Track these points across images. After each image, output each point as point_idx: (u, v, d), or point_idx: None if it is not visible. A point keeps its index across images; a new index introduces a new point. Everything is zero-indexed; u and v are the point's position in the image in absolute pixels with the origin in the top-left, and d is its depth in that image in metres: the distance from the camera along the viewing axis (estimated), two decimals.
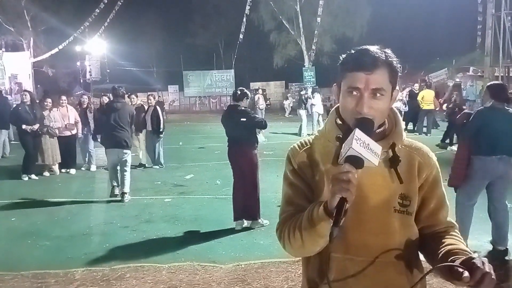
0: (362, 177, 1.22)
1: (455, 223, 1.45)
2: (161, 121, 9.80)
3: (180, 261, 4.48)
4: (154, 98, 10.49)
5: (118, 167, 7.16)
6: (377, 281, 1.34)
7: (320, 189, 1.37)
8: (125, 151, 7.06)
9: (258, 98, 19.66)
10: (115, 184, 7.24)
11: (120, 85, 8.03)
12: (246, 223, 5.51)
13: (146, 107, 10.17)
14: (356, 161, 1.18)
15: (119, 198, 7.05)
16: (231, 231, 5.41)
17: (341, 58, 1.39)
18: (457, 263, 1.18)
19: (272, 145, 11.89)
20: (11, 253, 4.89)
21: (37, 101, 9.54)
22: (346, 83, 1.32)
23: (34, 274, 4.22)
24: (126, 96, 8.35)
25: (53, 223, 6.02)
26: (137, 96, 10.89)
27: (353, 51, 1.36)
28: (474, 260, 1.14)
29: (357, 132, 1.20)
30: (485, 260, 1.14)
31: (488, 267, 1.12)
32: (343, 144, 1.23)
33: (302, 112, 15.47)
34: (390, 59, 1.32)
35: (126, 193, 7.04)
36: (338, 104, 1.42)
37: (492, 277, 1.11)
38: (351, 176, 1.16)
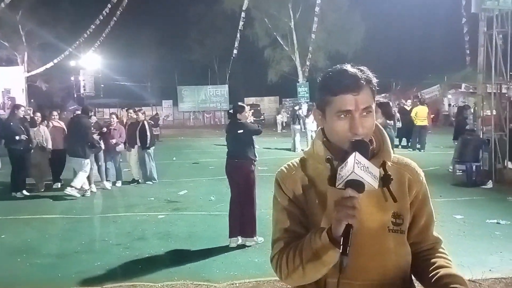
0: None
1: (440, 238, 1.47)
2: (148, 137, 9.68)
3: (174, 280, 4.39)
4: (143, 113, 10.32)
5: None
6: None
7: (313, 213, 1.34)
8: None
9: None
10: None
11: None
12: (240, 240, 5.45)
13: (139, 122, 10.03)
14: (358, 186, 1.16)
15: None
16: (226, 248, 5.33)
17: (318, 81, 1.38)
18: None
19: (266, 160, 11.86)
20: (1, 272, 4.77)
21: (28, 116, 9.56)
22: (334, 107, 1.30)
23: None
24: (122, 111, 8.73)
25: (44, 240, 5.92)
26: (135, 111, 10.65)
27: (331, 74, 1.33)
28: None
29: (357, 156, 1.17)
30: None
31: None
32: (340, 168, 1.20)
33: (296, 128, 15.51)
34: (370, 77, 1.32)
35: (72, 186, 8.11)
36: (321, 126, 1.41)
37: None
38: (356, 202, 1.14)
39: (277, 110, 34.26)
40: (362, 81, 1.28)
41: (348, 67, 1.32)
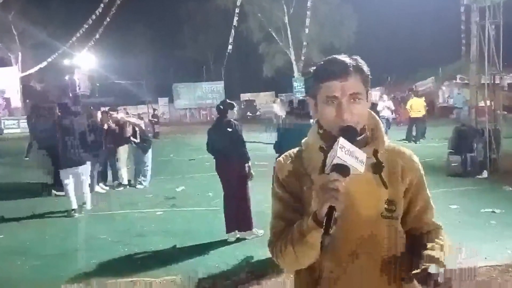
0: (348, 185, 1.23)
1: (441, 225, 1.50)
2: (137, 135, 9.13)
3: (173, 275, 4.42)
4: (128, 113, 9.97)
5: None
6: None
7: (309, 200, 1.37)
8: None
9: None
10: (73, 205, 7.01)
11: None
12: (239, 234, 5.49)
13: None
14: (342, 169, 1.19)
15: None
16: (224, 242, 5.38)
17: (311, 70, 1.42)
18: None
19: (265, 155, 11.89)
20: (0, 273, 4.79)
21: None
22: (322, 94, 1.34)
23: None
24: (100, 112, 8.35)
25: (44, 240, 5.93)
26: (116, 111, 10.24)
27: (322, 62, 1.38)
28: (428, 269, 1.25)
29: (341, 141, 1.21)
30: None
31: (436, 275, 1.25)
32: (328, 154, 1.24)
33: None
34: (360, 65, 1.35)
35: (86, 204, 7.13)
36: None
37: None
38: (339, 184, 1.17)
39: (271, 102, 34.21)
40: (351, 68, 1.31)
41: (340, 56, 1.36)
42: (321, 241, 1.18)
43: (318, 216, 1.20)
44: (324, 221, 1.17)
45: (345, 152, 1.20)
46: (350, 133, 1.27)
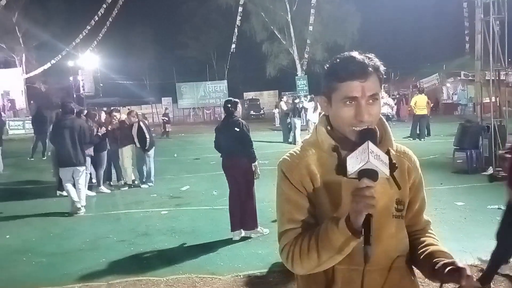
0: None
1: (430, 220, 1.52)
2: (147, 139, 9.11)
3: (179, 274, 4.43)
4: (136, 115, 9.71)
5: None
6: None
7: (320, 202, 1.35)
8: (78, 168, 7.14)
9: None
10: (76, 199, 7.10)
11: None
12: (244, 233, 5.49)
13: (128, 123, 9.43)
14: (372, 174, 1.16)
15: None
16: (229, 241, 5.37)
17: (325, 68, 1.39)
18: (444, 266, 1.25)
19: (266, 154, 11.88)
20: (6, 271, 4.82)
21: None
22: (340, 94, 1.31)
23: None
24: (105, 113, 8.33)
25: (48, 239, 5.96)
26: (119, 111, 10.19)
27: (338, 60, 1.34)
28: (459, 265, 1.22)
29: (371, 146, 1.18)
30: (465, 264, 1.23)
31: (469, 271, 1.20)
32: (349, 156, 1.20)
33: (297, 121, 15.50)
34: (377, 64, 1.33)
35: (82, 206, 7.15)
36: (324, 113, 1.43)
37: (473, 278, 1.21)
38: (373, 191, 1.15)
39: (276, 104, 34.17)
40: (370, 68, 1.29)
41: (356, 54, 1.33)
42: (365, 253, 1.14)
43: (354, 225, 1.17)
44: (363, 231, 1.15)
45: (374, 156, 1.16)
46: (373, 136, 1.25)
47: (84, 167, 7.35)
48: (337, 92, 1.31)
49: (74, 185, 7.22)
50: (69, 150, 7.03)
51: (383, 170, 1.17)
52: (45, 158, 13.05)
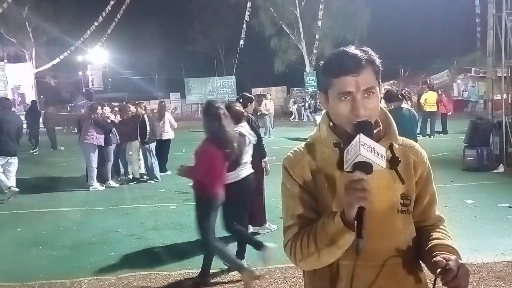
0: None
1: (443, 217, 1.49)
2: (147, 131, 9.09)
3: (187, 269, 4.45)
4: (145, 107, 9.81)
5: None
6: (389, 284, 1.34)
7: (323, 197, 1.35)
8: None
9: (265, 104, 19.02)
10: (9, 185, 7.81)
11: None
12: (252, 229, 5.49)
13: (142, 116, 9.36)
14: (365, 167, 1.15)
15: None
16: None
17: (320, 65, 1.38)
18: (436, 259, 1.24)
19: (275, 150, 11.86)
20: (17, 264, 4.88)
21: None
22: (335, 90, 1.30)
23: (41, 284, 4.20)
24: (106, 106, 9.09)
25: (59, 232, 6.01)
26: (134, 105, 10.04)
27: (332, 56, 1.34)
28: (449, 262, 1.20)
29: (362, 137, 1.17)
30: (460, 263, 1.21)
31: (461, 271, 1.19)
32: (346, 150, 1.20)
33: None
34: (372, 57, 1.31)
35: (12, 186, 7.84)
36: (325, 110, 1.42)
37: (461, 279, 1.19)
38: (365, 184, 1.14)
39: (285, 100, 34.08)
40: (363, 62, 1.28)
41: (351, 48, 1.32)
42: (356, 246, 1.14)
43: (347, 217, 1.17)
44: (355, 224, 1.14)
45: (367, 149, 1.15)
46: (367, 128, 1.23)
47: (16, 158, 8.08)
48: (333, 88, 1.31)
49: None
50: (7, 141, 7.79)
51: (378, 162, 1.16)
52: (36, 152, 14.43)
